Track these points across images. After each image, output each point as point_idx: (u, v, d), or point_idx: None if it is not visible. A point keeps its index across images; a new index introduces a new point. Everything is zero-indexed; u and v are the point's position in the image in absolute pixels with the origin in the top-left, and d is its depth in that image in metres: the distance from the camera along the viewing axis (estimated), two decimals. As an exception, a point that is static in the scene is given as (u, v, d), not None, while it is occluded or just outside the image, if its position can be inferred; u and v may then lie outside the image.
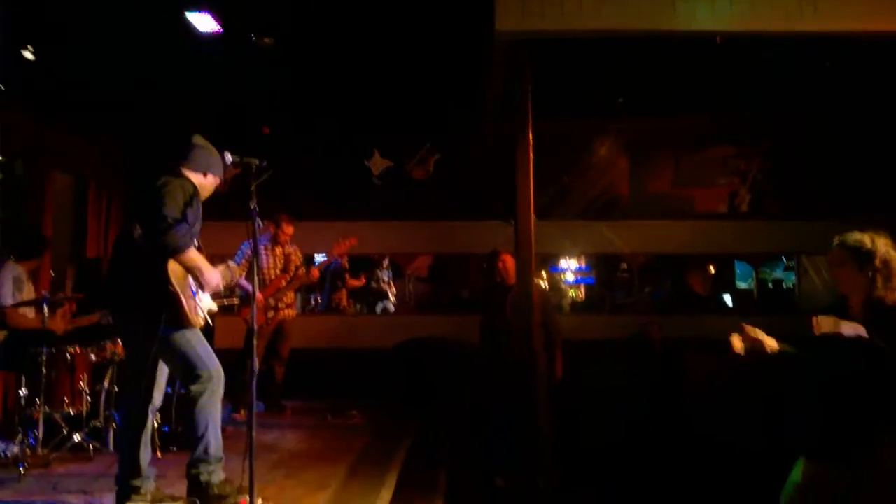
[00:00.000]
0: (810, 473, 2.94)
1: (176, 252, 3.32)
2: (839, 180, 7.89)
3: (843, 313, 2.92)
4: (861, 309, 2.90)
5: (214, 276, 3.51)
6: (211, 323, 3.62)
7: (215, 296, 3.75)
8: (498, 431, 5.63)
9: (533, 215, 6.32)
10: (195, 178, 3.57)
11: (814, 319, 2.85)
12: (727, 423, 6.48)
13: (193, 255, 3.39)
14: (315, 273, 6.36)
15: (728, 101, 7.72)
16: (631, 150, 8.39)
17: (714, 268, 9.61)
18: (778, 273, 10.84)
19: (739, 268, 9.94)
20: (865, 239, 2.92)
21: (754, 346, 2.93)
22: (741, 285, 10.24)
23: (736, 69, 6.79)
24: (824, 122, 7.94)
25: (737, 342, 2.96)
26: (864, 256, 2.89)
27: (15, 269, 5.12)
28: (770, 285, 10.34)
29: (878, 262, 2.88)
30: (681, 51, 6.40)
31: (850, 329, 2.77)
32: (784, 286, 10.29)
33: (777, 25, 5.68)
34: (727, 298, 9.72)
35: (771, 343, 2.93)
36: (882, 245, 2.92)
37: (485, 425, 5.85)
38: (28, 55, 6.01)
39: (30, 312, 5.03)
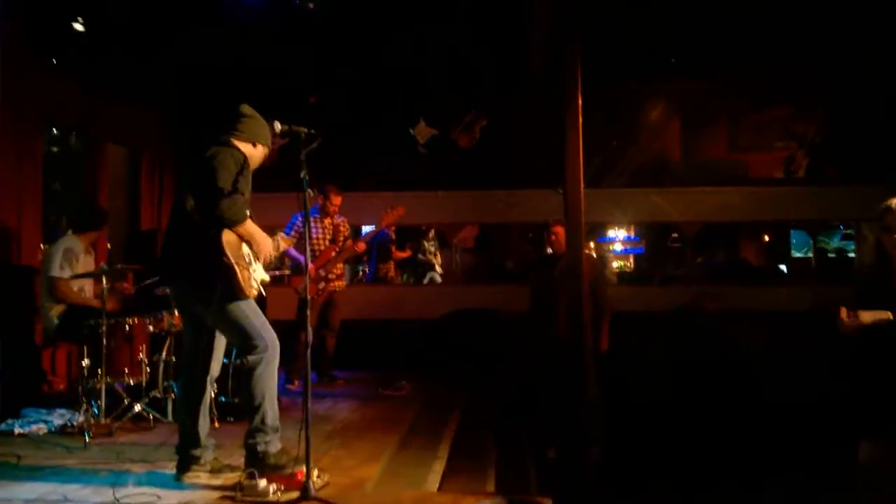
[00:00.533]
0: (868, 452, 2.89)
1: (233, 224, 3.33)
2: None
3: (885, 282, 2.88)
4: None
5: (268, 244, 3.53)
6: (264, 293, 3.64)
7: (267, 266, 3.76)
8: (547, 402, 5.60)
9: (582, 183, 6.20)
10: (245, 147, 3.55)
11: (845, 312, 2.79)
12: (782, 393, 6.34)
13: (249, 225, 3.41)
14: (361, 246, 6.38)
15: (785, 60, 7.39)
16: (683, 112, 8.13)
17: (769, 236, 9.33)
18: (835, 242, 10.48)
19: (795, 236, 9.64)
20: None
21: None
22: (797, 254, 9.94)
23: (793, 24, 6.49)
24: (888, 79, 7.55)
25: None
26: None
27: (70, 241, 5.19)
28: (832, 254, 10.00)
29: None
30: (735, 5, 6.15)
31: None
32: (846, 255, 9.93)
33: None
34: (783, 268, 9.44)
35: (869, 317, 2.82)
36: None
37: (534, 396, 5.83)
38: (78, 27, 6.07)
39: (88, 284, 5.12)
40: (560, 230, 5.71)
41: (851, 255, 9.52)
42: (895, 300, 2.79)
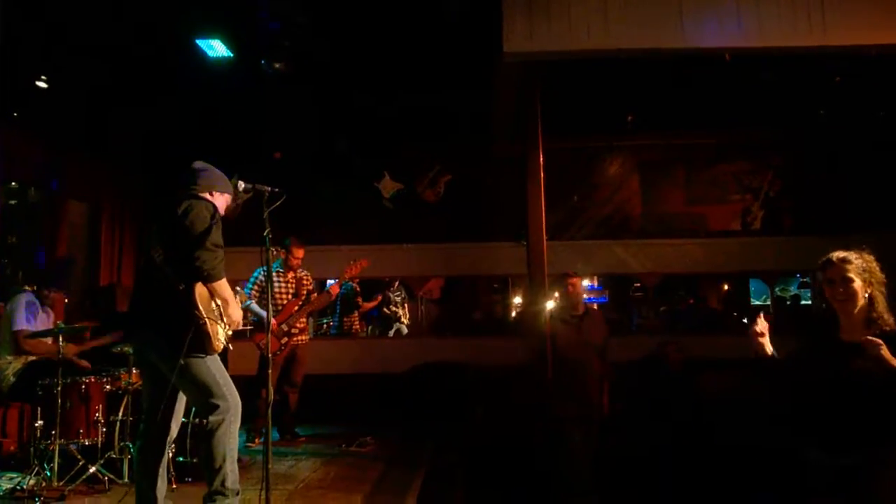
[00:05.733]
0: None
1: (212, 278, 3.30)
2: (852, 195, 7.84)
3: (832, 331, 2.89)
4: (861, 328, 2.81)
5: (238, 312, 3.50)
6: (230, 348, 3.59)
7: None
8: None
9: (545, 236, 6.30)
10: (210, 198, 3.55)
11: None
12: (746, 442, 6.38)
13: (225, 284, 3.40)
14: (335, 289, 6.19)
15: (738, 117, 7.71)
16: (642, 168, 8.38)
17: (728, 285, 9.54)
18: (793, 289, 10.75)
19: (754, 285, 9.88)
20: (864, 255, 2.89)
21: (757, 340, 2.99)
22: (756, 302, 10.16)
23: (745, 85, 6.78)
24: (836, 136, 7.91)
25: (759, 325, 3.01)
26: (868, 274, 2.84)
27: (30, 296, 5.13)
28: (788, 301, 10.25)
29: (876, 281, 2.85)
30: (690, 67, 6.40)
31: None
32: (800, 302, 10.18)
33: (786, 41, 5.69)
34: (742, 316, 9.63)
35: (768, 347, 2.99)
36: (873, 262, 2.89)
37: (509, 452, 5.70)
38: (42, 84, 6.08)
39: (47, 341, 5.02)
40: (577, 281, 5.49)
41: (808, 302, 9.77)
42: (840, 354, 2.78)
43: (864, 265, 2.84)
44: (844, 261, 2.85)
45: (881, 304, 2.81)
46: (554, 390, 5.27)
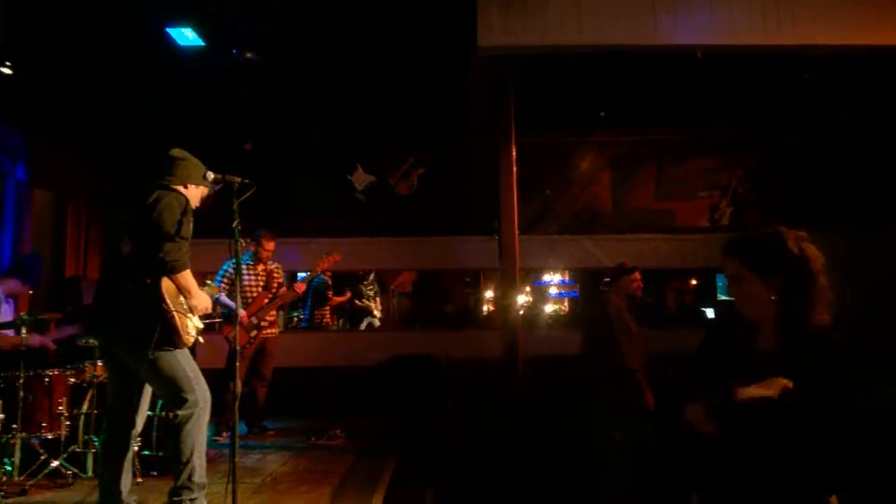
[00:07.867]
0: None
1: (175, 269, 3.27)
2: (820, 192, 7.98)
3: (744, 340, 2.21)
4: (774, 336, 2.14)
5: (203, 300, 3.46)
6: (202, 341, 3.55)
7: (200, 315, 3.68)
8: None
9: (517, 230, 6.33)
10: (184, 191, 3.51)
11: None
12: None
13: (188, 275, 3.35)
14: (301, 287, 6.23)
15: (709, 114, 7.81)
16: (613, 163, 8.45)
17: (696, 280, 9.67)
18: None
19: (721, 280, 10.02)
20: (770, 238, 2.15)
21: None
22: (723, 297, 10.32)
23: (716, 82, 6.87)
24: (804, 133, 8.05)
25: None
26: (771, 262, 2.11)
27: (-8, 287, 5.02)
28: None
29: (790, 268, 2.10)
30: (662, 64, 6.47)
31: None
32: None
33: (756, 39, 5.79)
34: (709, 312, 9.78)
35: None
36: (792, 243, 2.12)
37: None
38: (6, 70, 5.94)
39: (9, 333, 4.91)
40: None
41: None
42: (756, 368, 2.07)
43: (765, 252, 2.13)
44: (736, 251, 2.17)
45: (798, 300, 2.08)
46: (615, 380, 5.06)
